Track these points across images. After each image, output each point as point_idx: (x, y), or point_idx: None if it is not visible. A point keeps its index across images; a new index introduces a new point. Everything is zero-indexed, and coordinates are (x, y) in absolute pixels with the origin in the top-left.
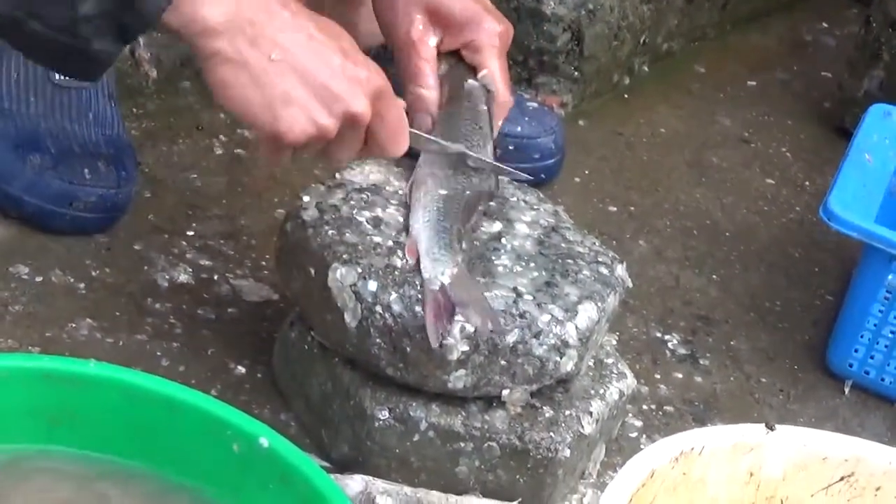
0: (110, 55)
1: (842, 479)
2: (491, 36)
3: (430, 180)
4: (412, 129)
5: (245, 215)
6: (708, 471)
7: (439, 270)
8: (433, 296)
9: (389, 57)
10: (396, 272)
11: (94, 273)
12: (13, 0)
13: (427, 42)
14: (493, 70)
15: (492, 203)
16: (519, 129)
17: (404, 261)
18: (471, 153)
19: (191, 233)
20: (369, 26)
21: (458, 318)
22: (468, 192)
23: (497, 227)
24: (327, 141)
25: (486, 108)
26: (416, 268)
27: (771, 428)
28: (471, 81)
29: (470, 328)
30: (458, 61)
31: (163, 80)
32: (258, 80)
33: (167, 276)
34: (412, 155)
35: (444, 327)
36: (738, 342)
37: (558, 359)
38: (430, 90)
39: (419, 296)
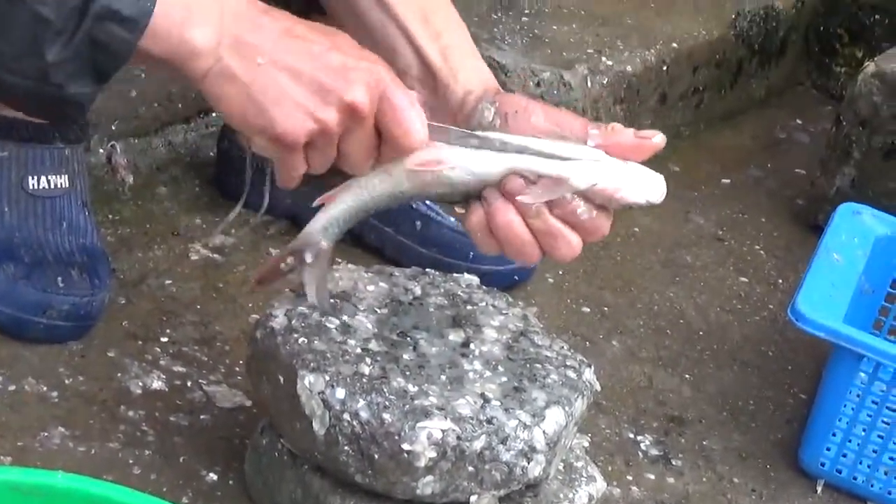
0: (89, 96)
1: None
2: None
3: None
4: (436, 123)
5: (219, 321)
6: None
7: (321, 239)
8: (299, 253)
9: None
10: (364, 379)
11: (67, 381)
12: None
13: None
14: None
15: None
16: None
17: (371, 368)
18: (490, 134)
19: (165, 339)
20: None
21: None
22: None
23: (466, 332)
24: (334, 138)
25: None
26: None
27: None
28: None
29: (437, 435)
30: None
31: (139, 185)
32: (249, 88)
33: (140, 383)
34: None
35: (277, 273)
36: (711, 442)
37: (526, 464)
38: None
39: (386, 403)
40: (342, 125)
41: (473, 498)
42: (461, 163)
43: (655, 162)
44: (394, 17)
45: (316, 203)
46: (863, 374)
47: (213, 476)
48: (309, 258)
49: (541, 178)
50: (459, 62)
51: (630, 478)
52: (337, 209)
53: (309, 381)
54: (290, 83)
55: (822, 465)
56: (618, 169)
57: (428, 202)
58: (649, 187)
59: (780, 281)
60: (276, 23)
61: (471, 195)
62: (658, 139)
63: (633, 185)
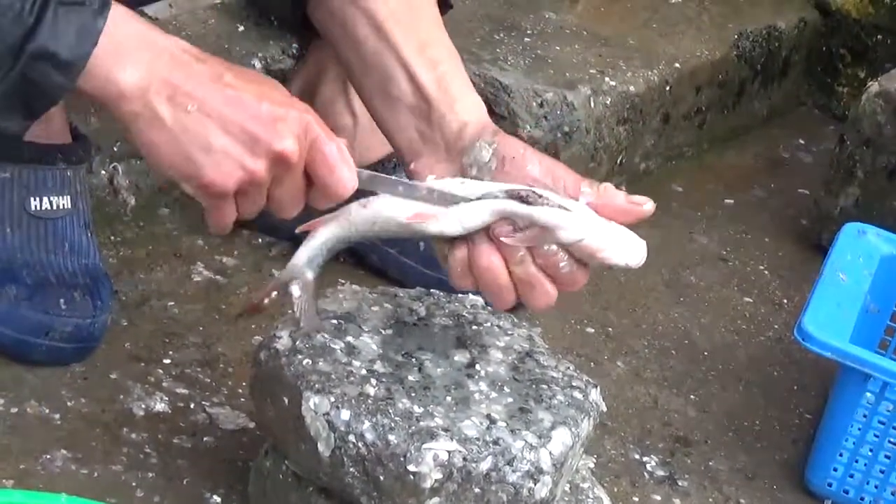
0: (19, 129)
1: None
2: None
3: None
4: (366, 170)
5: (222, 342)
6: None
7: (306, 271)
8: (284, 286)
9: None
10: (370, 401)
11: (69, 403)
12: None
13: None
14: None
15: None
16: None
17: (376, 389)
18: (439, 188)
19: (167, 361)
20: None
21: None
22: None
23: (471, 353)
24: (263, 186)
25: None
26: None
27: None
28: None
29: (443, 457)
30: None
31: (141, 207)
32: (178, 135)
33: (143, 405)
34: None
35: (262, 306)
36: (717, 462)
37: (532, 485)
38: None
39: (392, 424)
40: (271, 173)
41: None
42: (454, 216)
43: (660, 182)
44: (390, 43)
45: (299, 230)
46: (869, 394)
47: (216, 498)
48: (297, 292)
49: (531, 225)
50: (455, 94)
51: (636, 499)
52: (320, 240)
53: (314, 403)
54: (219, 132)
55: (830, 485)
56: (605, 229)
57: None
58: (631, 252)
59: (785, 301)
60: (207, 69)
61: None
62: (648, 206)
63: (616, 247)
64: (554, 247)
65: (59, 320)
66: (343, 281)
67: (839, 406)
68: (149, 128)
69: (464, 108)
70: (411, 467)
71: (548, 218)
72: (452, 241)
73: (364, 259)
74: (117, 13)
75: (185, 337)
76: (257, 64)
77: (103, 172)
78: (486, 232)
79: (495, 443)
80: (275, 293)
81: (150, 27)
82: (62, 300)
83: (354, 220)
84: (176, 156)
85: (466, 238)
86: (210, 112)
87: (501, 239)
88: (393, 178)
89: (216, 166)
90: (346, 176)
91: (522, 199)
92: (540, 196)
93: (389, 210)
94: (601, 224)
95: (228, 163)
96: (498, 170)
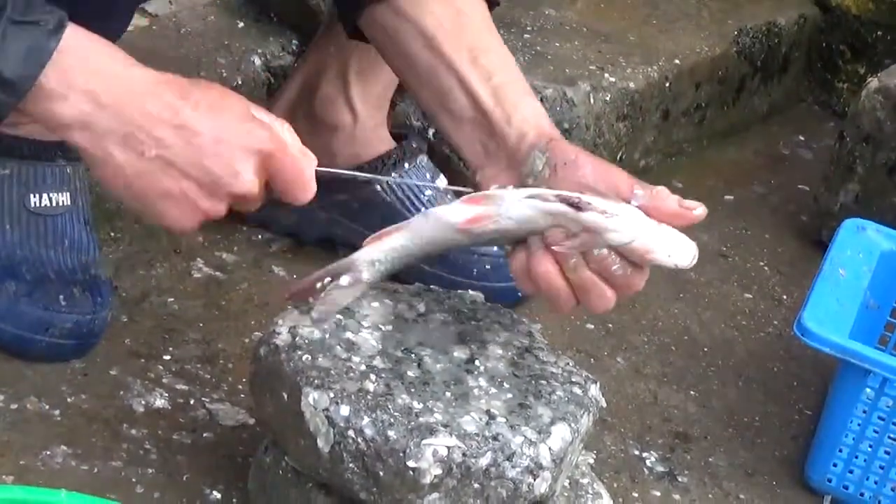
0: None
1: None
2: None
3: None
4: (323, 168)
5: (222, 339)
6: None
7: (364, 269)
8: (337, 274)
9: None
10: (369, 396)
11: (69, 399)
12: None
13: None
14: None
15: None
16: (496, 248)
17: (375, 385)
18: (381, 177)
19: (167, 357)
20: (347, 150)
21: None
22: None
23: (471, 349)
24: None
25: None
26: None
27: None
28: None
29: (442, 452)
30: None
31: None
32: (134, 181)
33: (143, 402)
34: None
35: (313, 291)
36: (717, 458)
37: (532, 481)
38: None
39: (391, 420)
40: (233, 207)
41: None
42: (508, 214)
43: (660, 179)
44: (443, 58)
45: (365, 242)
46: (869, 390)
47: (216, 494)
48: (344, 282)
49: (581, 230)
50: (512, 104)
51: (636, 495)
52: (388, 245)
53: (313, 399)
54: (178, 178)
55: (829, 481)
56: (655, 230)
57: None
58: (681, 253)
59: (785, 297)
60: (163, 105)
61: (518, 240)
62: (700, 211)
63: (666, 247)
64: (605, 251)
65: (59, 317)
66: None
67: (839, 402)
68: (102, 167)
69: (521, 118)
70: (411, 463)
71: (596, 221)
72: (513, 248)
73: None
74: (73, 35)
75: (184, 333)
76: (257, 60)
77: None
78: (542, 239)
79: (495, 438)
80: (328, 279)
81: (108, 51)
82: (62, 297)
83: (416, 228)
84: (133, 198)
85: (525, 245)
86: (167, 157)
87: (553, 248)
88: (348, 171)
89: (177, 212)
90: (309, 189)
91: (573, 205)
92: (589, 203)
93: (446, 215)
94: (650, 226)
95: (188, 208)
96: (552, 176)
